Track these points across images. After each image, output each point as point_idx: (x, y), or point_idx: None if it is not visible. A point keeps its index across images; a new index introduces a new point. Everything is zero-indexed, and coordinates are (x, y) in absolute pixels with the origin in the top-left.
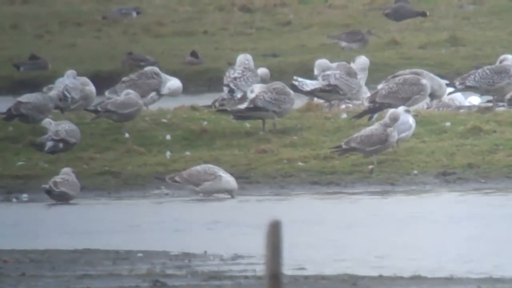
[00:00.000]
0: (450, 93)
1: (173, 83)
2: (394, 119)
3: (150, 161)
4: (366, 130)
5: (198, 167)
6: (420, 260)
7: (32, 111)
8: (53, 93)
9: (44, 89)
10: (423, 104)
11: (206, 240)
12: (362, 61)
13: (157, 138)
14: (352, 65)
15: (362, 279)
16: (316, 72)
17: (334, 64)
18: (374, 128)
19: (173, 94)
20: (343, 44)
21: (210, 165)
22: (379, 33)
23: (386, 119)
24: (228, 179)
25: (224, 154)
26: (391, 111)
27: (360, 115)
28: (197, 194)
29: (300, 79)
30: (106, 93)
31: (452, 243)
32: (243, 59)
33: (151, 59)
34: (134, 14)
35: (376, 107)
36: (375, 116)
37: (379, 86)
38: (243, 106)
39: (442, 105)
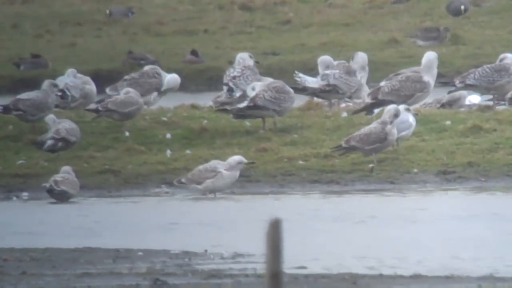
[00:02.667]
0: (450, 92)
1: (169, 78)
2: (395, 115)
3: (151, 160)
4: (365, 129)
5: (201, 166)
6: (420, 258)
7: (31, 107)
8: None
9: (44, 83)
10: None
11: (206, 238)
12: (360, 58)
13: (158, 136)
14: (351, 63)
15: (362, 278)
16: (320, 70)
17: (335, 63)
18: (373, 126)
19: (170, 86)
20: (420, 42)
21: (212, 163)
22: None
23: (385, 117)
24: (229, 174)
25: (225, 153)
26: (389, 107)
27: (361, 110)
28: (203, 193)
29: (301, 74)
30: (107, 90)
31: (453, 242)
32: (238, 58)
33: (151, 58)
34: (129, 15)
35: (377, 104)
36: (375, 112)
37: (382, 83)
38: (242, 105)
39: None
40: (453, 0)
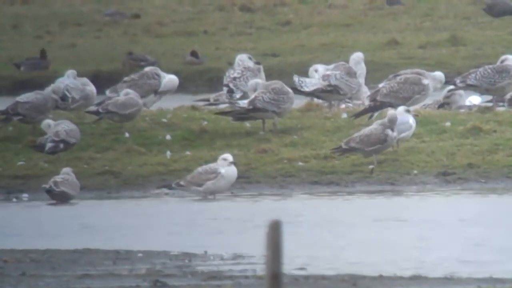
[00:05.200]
0: (450, 90)
1: (166, 80)
2: (392, 121)
3: (151, 161)
4: (366, 130)
5: (200, 168)
6: (420, 259)
7: (30, 111)
8: (50, 89)
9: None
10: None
11: (206, 240)
12: (355, 56)
13: (157, 138)
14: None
15: (362, 279)
16: (311, 76)
17: (333, 65)
18: (373, 127)
19: (168, 88)
20: None
21: (212, 164)
22: None
23: (386, 120)
24: (229, 173)
25: None
26: (389, 113)
27: (361, 114)
28: (203, 195)
29: (301, 78)
30: (107, 92)
31: (453, 243)
32: (238, 60)
33: (151, 59)
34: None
35: (376, 106)
36: (375, 115)
37: (380, 85)
38: (241, 102)
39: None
40: (498, 2)
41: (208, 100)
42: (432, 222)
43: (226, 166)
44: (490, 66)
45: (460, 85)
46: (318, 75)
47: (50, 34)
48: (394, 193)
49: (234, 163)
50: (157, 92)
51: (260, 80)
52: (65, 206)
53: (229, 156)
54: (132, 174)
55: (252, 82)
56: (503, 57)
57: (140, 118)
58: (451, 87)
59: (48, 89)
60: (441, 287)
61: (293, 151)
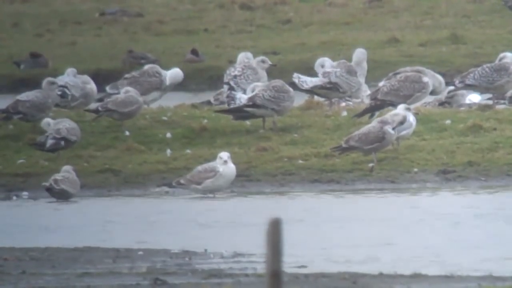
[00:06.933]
0: (450, 92)
1: (171, 72)
2: (401, 122)
3: (151, 159)
4: (364, 128)
5: (199, 167)
6: (421, 258)
7: (31, 109)
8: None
9: (44, 82)
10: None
11: (207, 238)
12: (359, 53)
13: (158, 136)
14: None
15: (362, 277)
16: (317, 70)
17: (335, 63)
18: (371, 126)
19: (173, 80)
20: None
21: (211, 162)
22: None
23: (388, 119)
24: (228, 172)
25: None
26: (399, 114)
27: (362, 113)
28: (203, 193)
29: (300, 76)
30: (107, 88)
31: (453, 241)
32: (243, 57)
33: (151, 57)
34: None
35: (377, 105)
36: (376, 114)
37: (381, 84)
38: (239, 95)
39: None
40: None
41: (209, 102)
42: (433, 220)
43: (222, 164)
44: (488, 65)
45: (459, 85)
46: (324, 69)
47: (50, 32)
48: (394, 191)
49: (225, 161)
50: (159, 89)
51: (260, 83)
52: (65, 204)
53: (224, 155)
54: (132, 172)
55: (252, 86)
56: (502, 55)
57: (140, 116)
58: (451, 87)
59: (45, 81)
60: (441, 285)
61: (293, 149)
